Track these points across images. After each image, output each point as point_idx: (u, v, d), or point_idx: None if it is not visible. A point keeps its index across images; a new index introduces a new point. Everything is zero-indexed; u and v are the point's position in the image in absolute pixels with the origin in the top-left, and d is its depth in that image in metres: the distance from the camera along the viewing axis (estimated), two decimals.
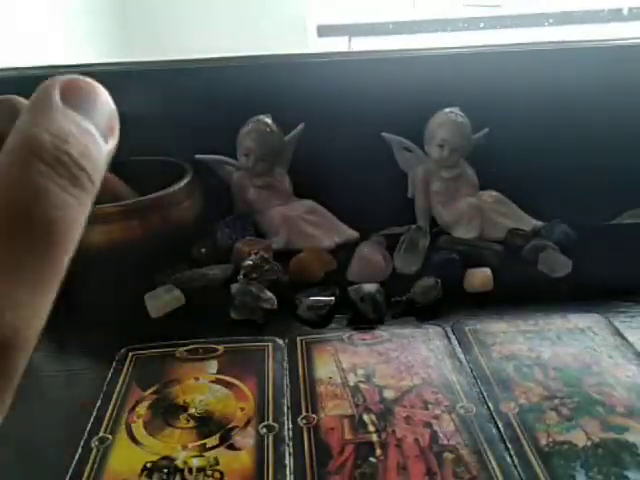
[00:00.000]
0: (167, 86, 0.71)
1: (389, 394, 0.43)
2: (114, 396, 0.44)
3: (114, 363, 0.47)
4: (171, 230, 0.59)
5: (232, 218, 0.67)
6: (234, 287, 0.54)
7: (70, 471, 0.37)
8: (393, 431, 0.39)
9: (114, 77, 0.72)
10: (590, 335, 0.49)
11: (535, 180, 0.69)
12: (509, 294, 0.56)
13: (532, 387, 0.43)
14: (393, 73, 0.72)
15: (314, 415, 0.41)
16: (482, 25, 1.83)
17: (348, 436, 0.39)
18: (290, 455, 0.38)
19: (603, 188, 0.68)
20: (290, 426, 0.40)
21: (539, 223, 0.68)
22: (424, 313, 0.54)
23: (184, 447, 0.38)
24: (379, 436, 0.39)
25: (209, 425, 0.40)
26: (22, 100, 0.67)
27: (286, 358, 0.46)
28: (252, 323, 0.53)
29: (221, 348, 0.48)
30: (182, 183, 0.61)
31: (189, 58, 0.73)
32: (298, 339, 0.50)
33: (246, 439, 0.38)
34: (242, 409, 0.41)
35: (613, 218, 0.71)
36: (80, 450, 0.38)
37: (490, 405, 0.41)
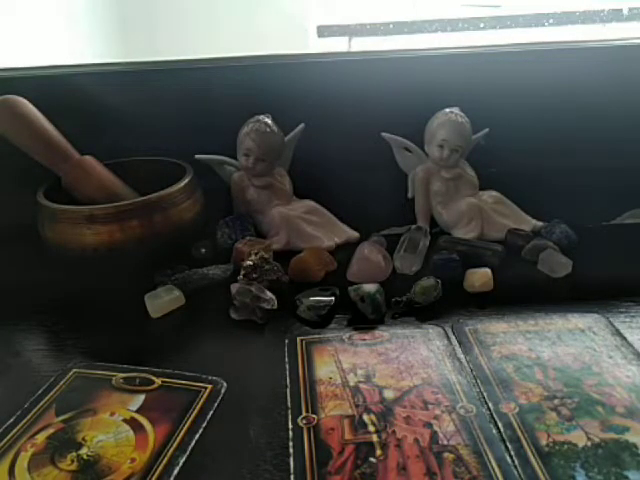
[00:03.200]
0: (167, 86, 0.71)
1: (389, 394, 0.43)
2: (29, 415, 0.42)
3: (54, 377, 0.46)
4: (171, 230, 0.59)
5: (232, 218, 0.67)
6: (234, 287, 0.54)
7: None
8: (393, 431, 0.39)
9: (114, 77, 0.72)
10: (590, 335, 0.49)
11: (535, 180, 0.69)
12: (509, 294, 0.56)
13: (532, 387, 0.43)
14: (393, 73, 0.72)
15: (314, 415, 0.41)
16: (482, 25, 1.83)
17: (348, 436, 0.39)
18: (290, 455, 0.38)
19: (603, 188, 0.68)
20: (290, 426, 0.40)
21: (539, 223, 0.68)
22: (424, 313, 0.54)
23: None
24: (379, 436, 0.39)
25: (88, 472, 0.37)
26: (22, 100, 0.67)
27: (215, 404, 0.42)
28: (252, 323, 0.53)
29: (158, 381, 0.45)
30: (182, 183, 0.61)
31: (189, 58, 0.73)
32: (298, 339, 0.50)
33: None
34: (132, 460, 0.38)
35: (613, 218, 0.71)
36: None
37: (490, 405, 0.41)
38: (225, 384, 0.45)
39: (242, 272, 0.56)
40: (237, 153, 0.67)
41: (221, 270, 0.60)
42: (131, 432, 0.40)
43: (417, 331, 0.51)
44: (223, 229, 0.66)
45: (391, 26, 1.89)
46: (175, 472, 0.37)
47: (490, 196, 0.69)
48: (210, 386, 0.44)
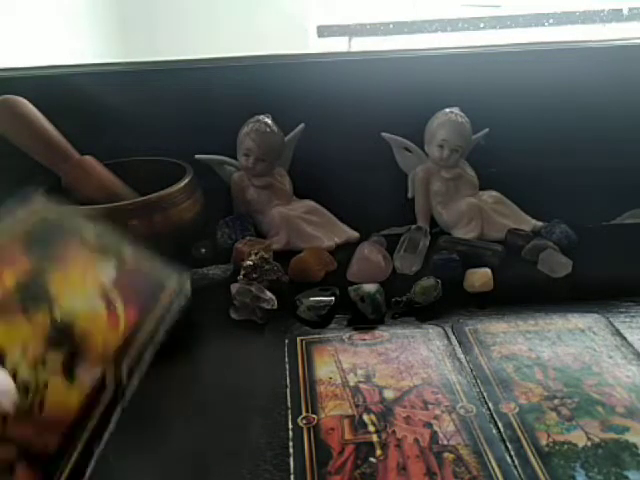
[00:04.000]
0: (167, 86, 0.71)
1: (389, 394, 0.43)
2: None
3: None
4: (171, 230, 0.59)
5: (232, 218, 0.67)
6: (234, 287, 0.54)
7: None
8: (393, 431, 0.39)
9: (114, 77, 0.72)
10: (590, 335, 0.49)
11: (535, 180, 0.69)
12: (509, 294, 0.56)
13: (532, 387, 0.43)
14: (393, 73, 0.72)
15: (314, 415, 0.41)
16: (482, 25, 1.83)
17: (348, 436, 0.39)
18: (290, 455, 0.38)
19: (603, 188, 0.68)
20: (290, 426, 0.40)
21: (539, 223, 0.68)
22: (424, 313, 0.54)
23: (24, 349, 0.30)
24: (379, 436, 0.39)
25: (60, 333, 0.32)
26: (22, 100, 0.67)
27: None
28: (252, 323, 0.53)
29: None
30: (182, 183, 0.61)
31: (189, 58, 0.73)
32: (298, 339, 0.50)
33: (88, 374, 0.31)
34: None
35: (613, 218, 0.71)
36: None
37: (490, 405, 0.41)
38: None
39: (242, 272, 0.55)
40: (237, 153, 0.67)
41: (221, 270, 0.60)
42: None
43: (417, 331, 0.51)
44: (223, 229, 0.66)
45: (391, 26, 1.89)
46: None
47: (490, 196, 0.69)
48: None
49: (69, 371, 0.31)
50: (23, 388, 0.28)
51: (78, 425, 0.29)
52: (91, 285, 0.36)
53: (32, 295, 0.33)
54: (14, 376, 0.28)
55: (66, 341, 0.32)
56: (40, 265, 0.36)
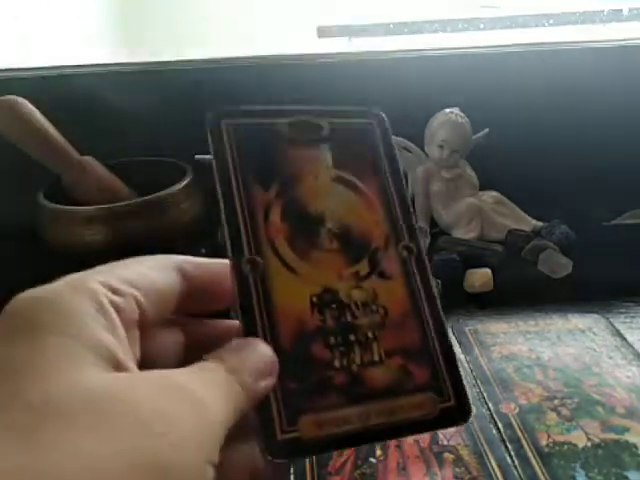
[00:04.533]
0: (167, 86, 0.71)
1: None
2: (233, 190, 0.31)
3: (208, 133, 0.32)
4: (171, 230, 0.59)
5: None
6: None
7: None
8: None
9: (114, 77, 0.72)
10: (590, 336, 0.49)
11: (535, 180, 0.69)
12: (509, 294, 0.56)
13: (532, 388, 0.43)
14: (393, 73, 0.72)
15: None
16: (482, 26, 1.83)
17: None
18: None
19: (603, 189, 0.68)
20: None
21: (539, 223, 0.68)
22: None
23: (339, 276, 0.28)
24: None
25: (352, 246, 0.29)
26: (22, 100, 0.67)
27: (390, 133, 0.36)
28: None
29: (326, 125, 0.33)
30: (182, 183, 0.61)
31: (189, 58, 0.73)
32: None
33: (392, 264, 0.30)
34: (376, 223, 0.30)
35: (613, 218, 0.71)
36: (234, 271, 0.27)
37: (490, 406, 0.41)
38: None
39: None
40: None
41: None
42: (349, 191, 0.31)
43: None
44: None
45: (391, 26, 1.89)
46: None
47: (490, 196, 0.69)
48: (376, 120, 0.37)
49: (378, 267, 0.30)
50: (362, 305, 0.29)
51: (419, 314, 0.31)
52: (327, 180, 0.31)
53: (299, 222, 0.30)
54: (356, 305, 0.28)
55: (358, 249, 0.30)
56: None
